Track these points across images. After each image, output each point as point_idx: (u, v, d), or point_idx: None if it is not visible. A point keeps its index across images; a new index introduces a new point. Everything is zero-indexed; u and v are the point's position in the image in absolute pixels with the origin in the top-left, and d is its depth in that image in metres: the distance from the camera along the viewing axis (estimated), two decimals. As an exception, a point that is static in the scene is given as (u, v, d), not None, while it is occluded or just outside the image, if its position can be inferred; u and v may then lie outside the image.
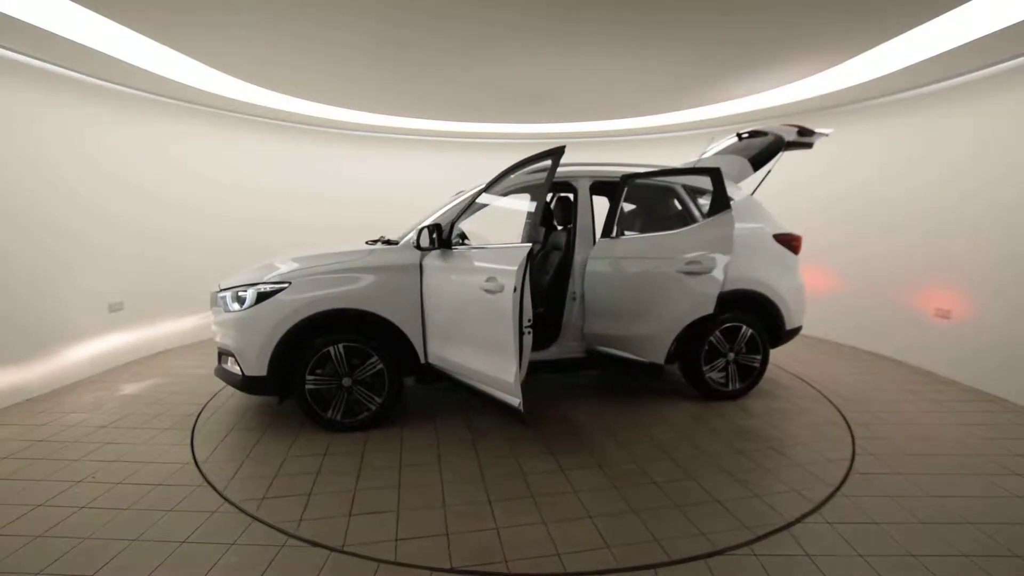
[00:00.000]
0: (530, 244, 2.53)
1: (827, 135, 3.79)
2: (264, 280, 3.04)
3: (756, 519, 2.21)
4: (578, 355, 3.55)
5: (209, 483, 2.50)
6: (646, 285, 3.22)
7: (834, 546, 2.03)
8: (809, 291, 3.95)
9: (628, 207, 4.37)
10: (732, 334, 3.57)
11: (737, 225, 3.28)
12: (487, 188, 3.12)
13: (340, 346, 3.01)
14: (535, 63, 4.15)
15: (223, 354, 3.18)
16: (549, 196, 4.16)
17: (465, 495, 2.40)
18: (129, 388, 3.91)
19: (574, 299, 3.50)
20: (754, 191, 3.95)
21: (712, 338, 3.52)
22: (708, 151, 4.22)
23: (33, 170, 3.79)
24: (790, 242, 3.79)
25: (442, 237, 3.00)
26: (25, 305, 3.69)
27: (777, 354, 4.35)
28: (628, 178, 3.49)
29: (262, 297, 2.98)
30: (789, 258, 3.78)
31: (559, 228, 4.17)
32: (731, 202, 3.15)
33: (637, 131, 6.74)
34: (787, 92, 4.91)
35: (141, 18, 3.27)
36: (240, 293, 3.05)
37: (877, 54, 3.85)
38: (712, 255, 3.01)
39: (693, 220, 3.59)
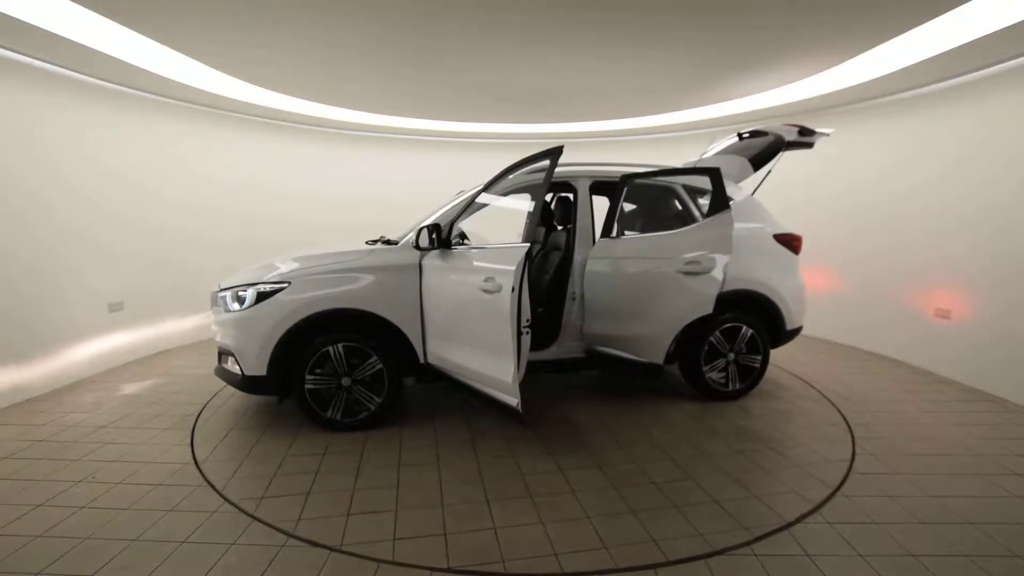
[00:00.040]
0: (528, 244, 2.53)
1: (828, 135, 3.79)
2: (264, 280, 3.04)
3: (755, 519, 2.20)
4: (578, 355, 3.55)
5: (209, 483, 2.50)
6: (645, 285, 3.22)
7: (834, 546, 2.03)
8: (809, 291, 3.95)
9: (628, 207, 4.38)
10: (732, 334, 3.57)
11: (737, 225, 3.28)
12: (486, 188, 3.12)
13: (339, 346, 3.02)
14: (535, 64, 4.15)
15: (223, 354, 3.18)
16: (549, 196, 4.17)
17: (463, 495, 2.40)
18: (129, 388, 3.91)
19: (574, 299, 3.50)
20: (754, 191, 3.95)
21: (712, 338, 3.52)
22: (709, 151, 4.22)
23: (36, 169, 3.80)
24: (790, 242, 3.78)
25: (441, 237, 3.00)
26: (26, 304, 3.69)
27: (777, 354, 4.35)
28: (628, 178, 3.49)
29: (262, 297, 2.99)
30: (789, 258, 3.78)
31: (559, 228, 4.17)
32: (731, 202, 3.16)
33: (637, 131, 6.74)
34: (787, 92, 4.91)
35: (142, 19, 3.27)
36: (240, 293, 3.05)
37: (877, 54, 3.85)
38: (711, 255, 3.01)
39: (693, 220, 3.59)
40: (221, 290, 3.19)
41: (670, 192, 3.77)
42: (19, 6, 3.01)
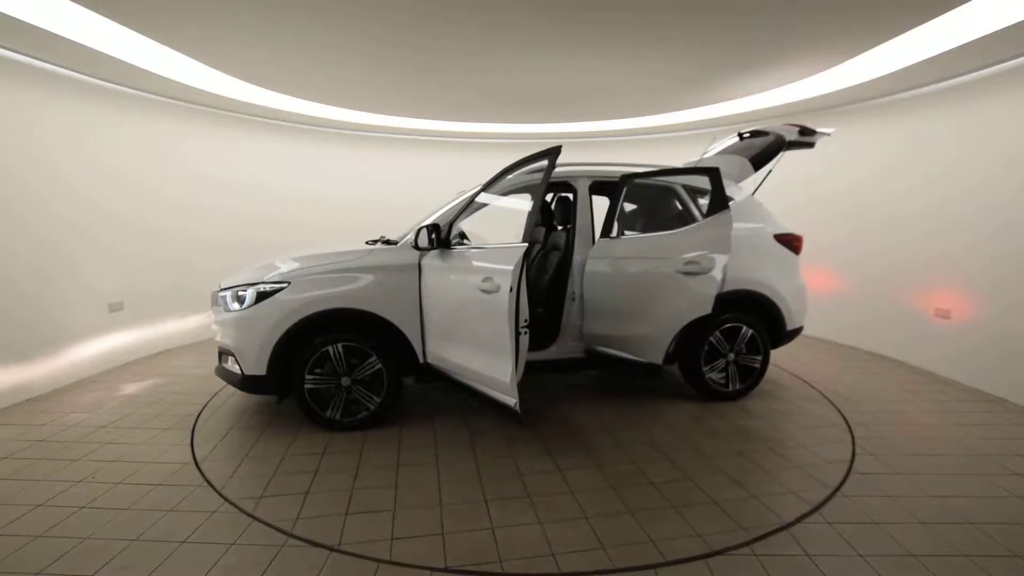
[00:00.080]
0: (526, 244, 2.53)
1: (829, 134, 3.79)
2: (264, 280, 3.04)
3: (754, 520, 2.20)
4: (577, 355, 3.55)
5: (209, 483, 2.51)
6: (645, 285, 3.21)
7: (834, 546, 2.02)
8: (809, 291, 3.94)
9: (629, 207, 4.38)
10: (732, 334, 3.56)
11: (738, 225, 3.28)
12: (485, 188, 3.12)
13: (339, 346, 3.02)
14: (535, 64, 4.15)
15: (223, 353, 3.19)
16: (549, 196, 4.17)
17: (461, 495, 2.40)
18: (129, 388, 3.91)
19: (573, 299, 3.50)
20: (755, 191, 3.95)
21: (712, 338, 3.51)
22: (710, 151, 4.22)
23: (36, 169, 3.80)
24: (791, 242, 3.78)
25: (440, 237, 3.00)
26: (27, 304, 3.70)
27: (777, 354, 4.34)
28: (627, 178, 3.49)
29: (262, 297, 2.99)
30: (790, 258, 3.78)
31: (559, 228, 4.17)
32: (732, 202, 3.15)
33: (637, 131, 6.74)
34: (787, 92, 4.91)
35: (142, 19, 3.27)
36: (240, 293, 3.06)
37: (877, 54, 3.85)
38: (711, 255, 3.01)
39: (693, 220, 3.59)
40: (221, 290, 3.19)
41: (670, 192, 3.77)
42: (20, 7, 3.02)
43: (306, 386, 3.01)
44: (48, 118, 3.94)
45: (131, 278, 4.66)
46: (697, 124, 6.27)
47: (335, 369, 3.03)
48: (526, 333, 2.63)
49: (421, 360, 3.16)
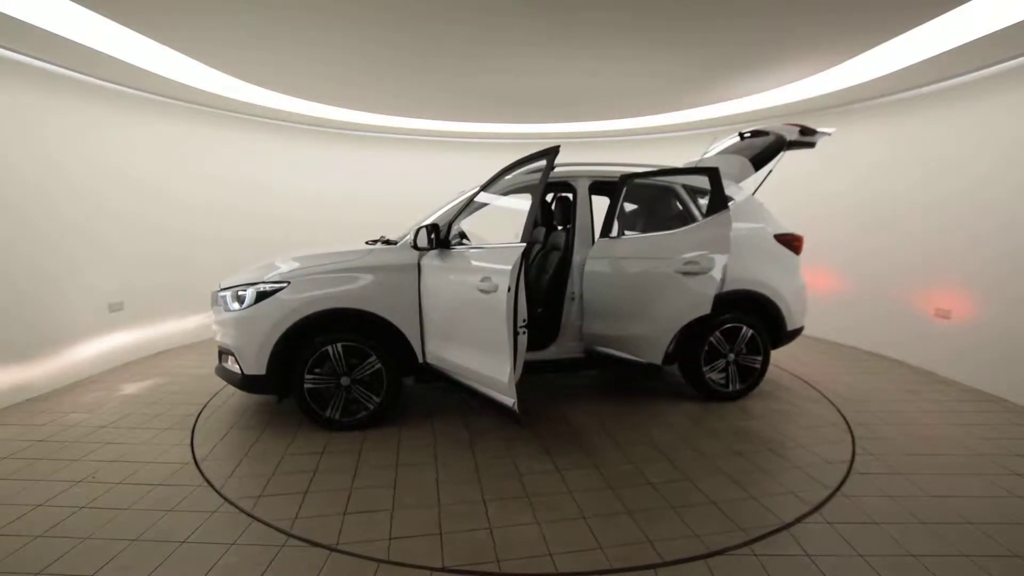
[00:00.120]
0: (524, 244, 2.53)
1: (829, 134, 3.78)
2: (264, 280, 3.04)
3: (753, 521, 2.20)
4: (577, 355, 3.55)
5: (209, 483, 2.51)
6: (644, 285, 3.21)
7: (834, 546, 2.02)
8: (810, 291, 3.94)
9: (629, 207, 4.37)
10: (732, 335, 3.56)
11: (738, 225, 3.28)
12: (484, 188, 3.12)
13: (339, 345, 3.02)
14: (535, 65, 4.15)
15: (223, 353, 3.19)
16: (549, 196, 4.17)
17: (460, 495, 2.40)
18: (129, 388, 3.92)
19: (573, 299, 3.49)
20: (755, 191, 3.95)
21: (712, 339, 3.51)
22: (710, 150, 4.21)
23: (38, 170, 3.81)
24: (791, 242, 3.77)
25: (439, 237, 3.00)
26: (28, 304, 3.70)
27: (777, 354, 4.34)
28: (627, 178, 3.49)
29: (261, 296, 2.99)
30: (790, 258, 3.77)
31: (559, 228, 4.17)
32: (732, 202, 3.14)
33: (637, 131, 6.74)
34: (787, 92, 4.91)
35: (143, 20, 3.28)
36: (240, 292, 3.06)
37: (877, 54, 3.85)
38: (710, 255, 3.00)
39: (693, 220, 3.58)
40: (221, 290, 3.19)
41: (670, 192, 3.77)
42: (20, 7, 3.02)
43: (306, 386, 3.01)
44: (49, 118, 3.94)
45: (131, 278, 4.66)
46: (697, 124, 6.26)
47: (335, 369, 3.03)
48: (524, 333, 2.63)
49: (420, 360, 3.16)
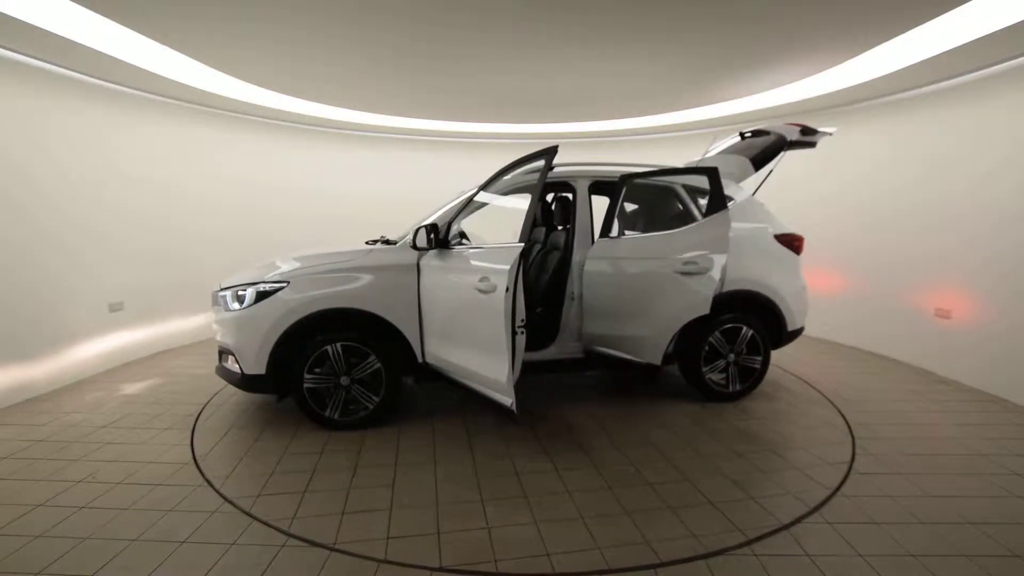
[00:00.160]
0: (522, 244, 2.53)
1: (830, 134, 3.77)
2: (264, 279, 3.05)
3: (753, 521, 2.20)
4: (576, 355, 3.54)
5: (209, 483, 2.51)
6: (643, 285, 3.21)
7: (834, 546, 2.02)
8: (810, 291, 3.93)
9: (628, 207, 4.37)
10: (732, 335, 3.56)
11: (738, 225, 3.27)
12: (483, 188, 3.12)
13: (338, 345, 3.02)
14: (534, 66, 4.16)
15: (223, 353, 3.19)
16: (549, 196, 4.17)
17: (458, 494, 2.40)
18: (129, 388, 3.92)
19: (572, 299, 3.49)
20: (756, 191, 3.94)
21: (712, 339, 3.51)
22: (711, 150, 4.21)
23: (39, 169, 3.81)
24: (792, 242, 3.77)
25: (439, 237, 3.00)
26: (28, 303, 3.70)
27: (778, 355, 4.34)
28: (627, 178, 3.49)
29: (261, 296, 2.99)
30: (791, 258, 3.77)
31: (559, 228, 4.17)
32: (732, 202, 3.13)
33: (637, 131, 6.74)
34: (787, 92, 4.90)
35: (143, 20, 3.28)
36: (240, 292, 3.06)
37: (877, 54, 3.85)
38: (709, 255, 3.00)
39: (693, 220, 3.58)
40: (221, 289, 3.20)
41: (670, 192, 3.77)
42: (21, 8, 3.03)
43: (305, 385, 3.01)
44: (53, 120, 3.95)
45: (131, 278, 4.67)
46: (697, 124, 6.26)
47: (334, 368, 3.04)
48: (523, 333, 2.63)
49: (420, 360, 3.16)
